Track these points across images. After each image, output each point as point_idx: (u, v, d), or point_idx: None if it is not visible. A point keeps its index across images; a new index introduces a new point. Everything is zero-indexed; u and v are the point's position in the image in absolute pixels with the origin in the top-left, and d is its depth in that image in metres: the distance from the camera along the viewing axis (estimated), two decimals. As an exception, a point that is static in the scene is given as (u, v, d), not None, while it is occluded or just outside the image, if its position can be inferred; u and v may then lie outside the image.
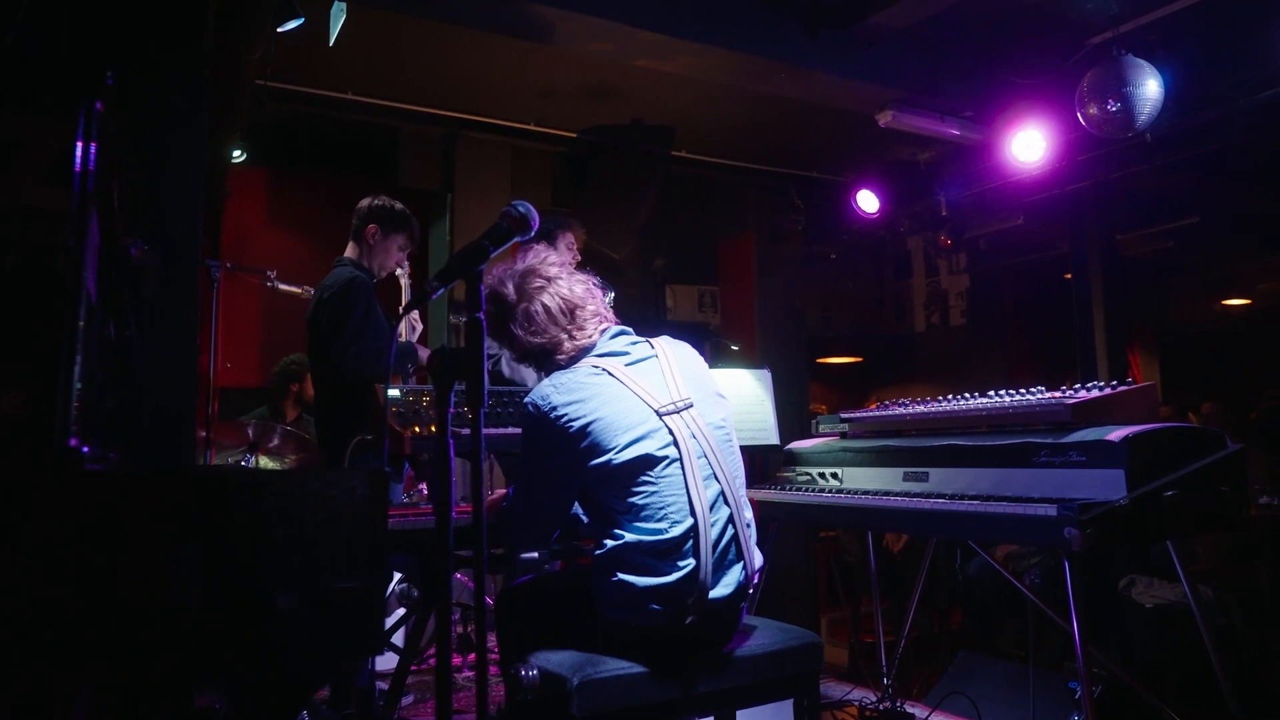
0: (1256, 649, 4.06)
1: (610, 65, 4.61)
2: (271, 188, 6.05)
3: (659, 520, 1.99)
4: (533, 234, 1.62)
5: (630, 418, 2.02)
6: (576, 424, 2.00)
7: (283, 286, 4.41)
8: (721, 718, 2.43)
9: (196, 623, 1.59)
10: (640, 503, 2.00)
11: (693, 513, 2.00)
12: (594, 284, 2.20)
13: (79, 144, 1.25)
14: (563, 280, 2.13)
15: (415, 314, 3.71)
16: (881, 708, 3.30)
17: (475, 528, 1.45)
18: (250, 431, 4.29)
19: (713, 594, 2.03)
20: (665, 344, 2.23)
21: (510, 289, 2.11)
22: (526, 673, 2.02)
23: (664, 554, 1.99)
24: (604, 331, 2.17)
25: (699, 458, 2.06)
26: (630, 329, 2.23)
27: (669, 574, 1.99)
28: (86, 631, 1.41)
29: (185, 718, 2.51)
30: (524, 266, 2.15)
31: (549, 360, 2.14)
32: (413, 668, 3.59)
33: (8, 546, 1.29)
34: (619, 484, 2.01)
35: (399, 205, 3.61)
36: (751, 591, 2.16)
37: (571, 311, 2.11)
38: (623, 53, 4.31)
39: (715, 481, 2.08)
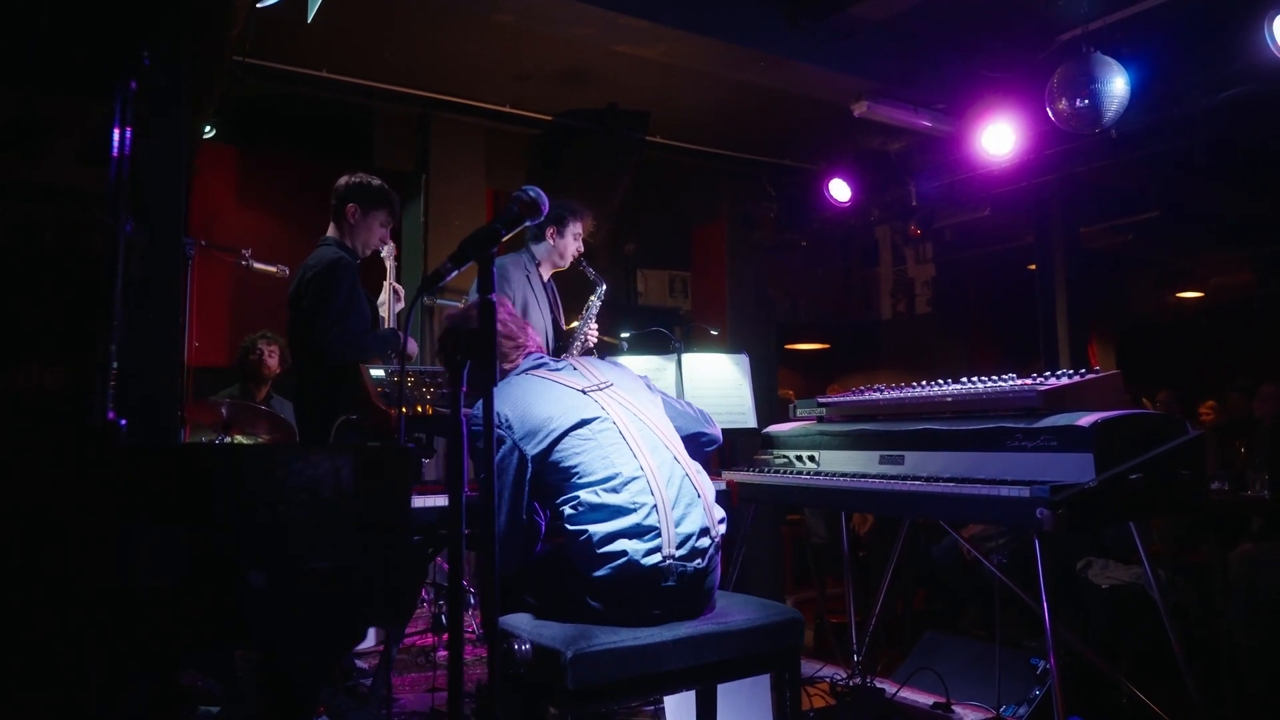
0: (1205, 627, 4.24)
1: (587, 49, 4.62)
2: (242, 165, 5.97)
3: (604, 469, 2.17)
4: (543, 218, 1.66)
5: (559, 400, 2.27)
6: (515, 417, 2.23)
7: (257, 266, 4.37)
8: (703, 691, 2.51)
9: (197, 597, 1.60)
10: (584, 460, 2.18)
11: (636, 455, 2.20)
12: (515, 323, 2.51)
13: (115, 126, 1.26)
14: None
15: (399, 288, 3.73)
16: (852, 683, 3.40)
17: (484, 506, 1.50)
18: (224, 411, 4.26)
19: (678, 529, 2.15)
20: (575, 358, 2.55)
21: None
22: (519, 647, 2.07)
23: (617, 489, 2.14)
24: (527, 356, 2.47)
25: (631, 418, 2.29)
26: (546, 355, 2.53)
27: (629, 513, 2.12)
28: (103, 604, 1.43)
29: (171, 695, 2.53)
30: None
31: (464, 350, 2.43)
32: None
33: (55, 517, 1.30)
34: (558, 452, 2.19)
35: (376, 181, 3.60)
36: (718, 541, 2.25)
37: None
38: (604, 38, 4.33)
39: (650, 433, 2.29)
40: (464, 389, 1.50)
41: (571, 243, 3.99)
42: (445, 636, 4.32)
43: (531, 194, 1.63)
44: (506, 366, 2.45)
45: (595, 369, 2.44)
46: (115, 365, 1.37)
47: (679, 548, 2.14)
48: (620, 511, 2.13)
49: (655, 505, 2.14)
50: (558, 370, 2.42)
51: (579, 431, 2.20)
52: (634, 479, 2.17)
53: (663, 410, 2.47)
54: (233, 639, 2.24)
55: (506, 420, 2.23)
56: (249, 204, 5.99)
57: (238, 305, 5.74)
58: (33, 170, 1.33)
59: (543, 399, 2.28)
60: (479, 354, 1.46)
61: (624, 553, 2.09)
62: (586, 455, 2.19)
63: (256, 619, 1.76)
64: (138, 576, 1.42)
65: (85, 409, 1.33)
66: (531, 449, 2.20)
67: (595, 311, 4.12)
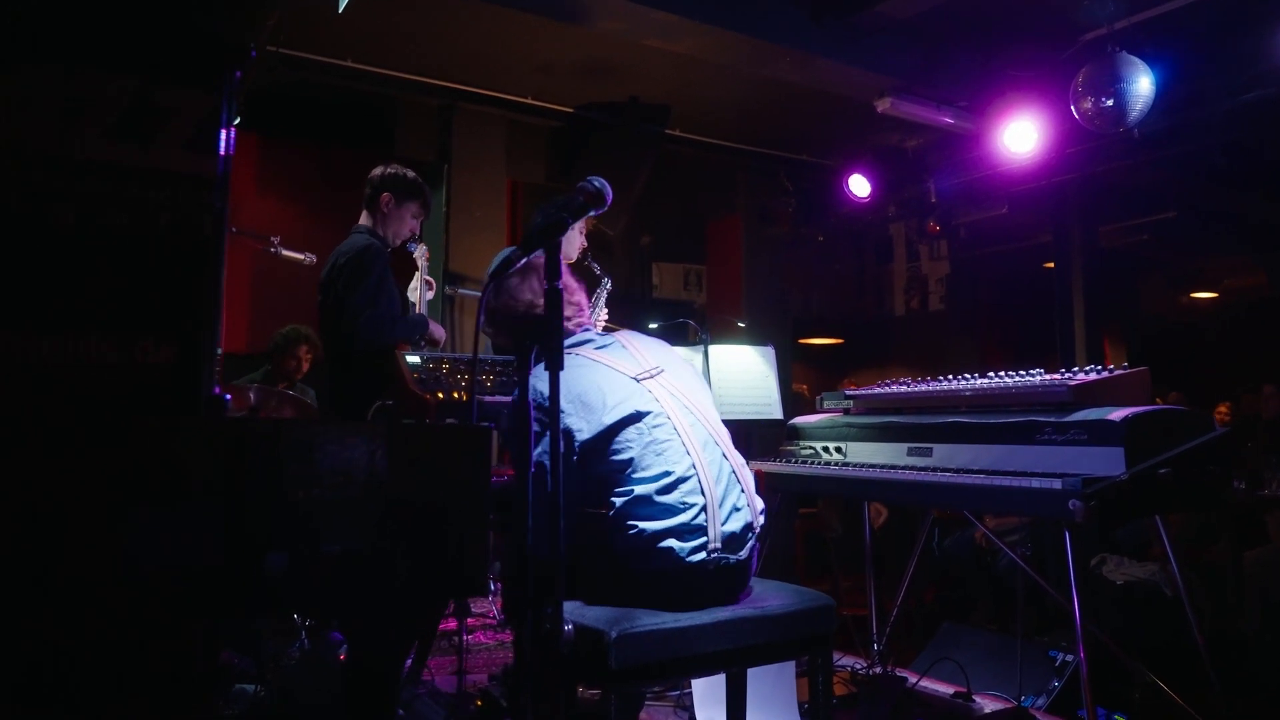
0: (1216, 623, 4.29)
1: (609, 42, 4.65)
2: (264, 154, 6.00)
3: (658, 466, 2.14)
4: (606, 207, 1.70)
5: (611, 385, 2.21)
6: (563, 401, 2.11)
7: (286, 253, 4.41)
8: (733, 674, 2.55)
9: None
10: (637, 455, 2.15)
11: (689, 453, 2.17)
12: (583, 291, 2.47)
13: (224, 114, 1.30)
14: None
15: (431, 280, 3.78)
16: (873, 672, 3.45)
17: (554, 491, 1.54)
18: (252, 396, 4.30)
19: (723, 527, 2.16)
20: (623, 333, 2.46)
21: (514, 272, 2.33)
22: (562, 627, 2.11)
23: (670, 490, 2.12)
24: (579, 327, 2.39)
25: (683, 410, 2.25)
26: (592, 329, 2.44)
27: (680, 513, 2.12)
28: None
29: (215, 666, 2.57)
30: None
31: (527, 336, 2.24)
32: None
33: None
34: (612, 445, 2.16)
35: (411, 173, 3.66)
36: (757, 534, 2.28)
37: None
38: (634, 31, 4.37)
39: (701, 427, 2.26)
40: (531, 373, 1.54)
41: (578, 236, 4.03)
42: (470, 621, 4.39)
43: (596, 184, 1.66)
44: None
45: (644, 350, 2.37)
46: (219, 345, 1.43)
47: (723, 542, 2.16)
48: (671, 511, 2.12)
49: (704, 505, 2.14)
50: (605, 349, 2.34)
51: (634, 426, 2.17)
52: (686, 478, 2.15)
53: (710, 396, 2.43)
54: (266, 610, 2.26)
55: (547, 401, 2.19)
56: (269, 192, 6.02)
57: (259, 292, 5.77)
58: (149, 155, 1.37)
59: (596, 384, 2.21)
60: (547, 340, 1.50)
61: (670, 549, 2.11)
62: (639, 451, 2.16)
63: (300, 591, 1.78)
64: (208, 544, 1.46)
65: (195, 383, 1.38)
66: (580, 435, 2.16)
67: (603, 301, 4.16)
